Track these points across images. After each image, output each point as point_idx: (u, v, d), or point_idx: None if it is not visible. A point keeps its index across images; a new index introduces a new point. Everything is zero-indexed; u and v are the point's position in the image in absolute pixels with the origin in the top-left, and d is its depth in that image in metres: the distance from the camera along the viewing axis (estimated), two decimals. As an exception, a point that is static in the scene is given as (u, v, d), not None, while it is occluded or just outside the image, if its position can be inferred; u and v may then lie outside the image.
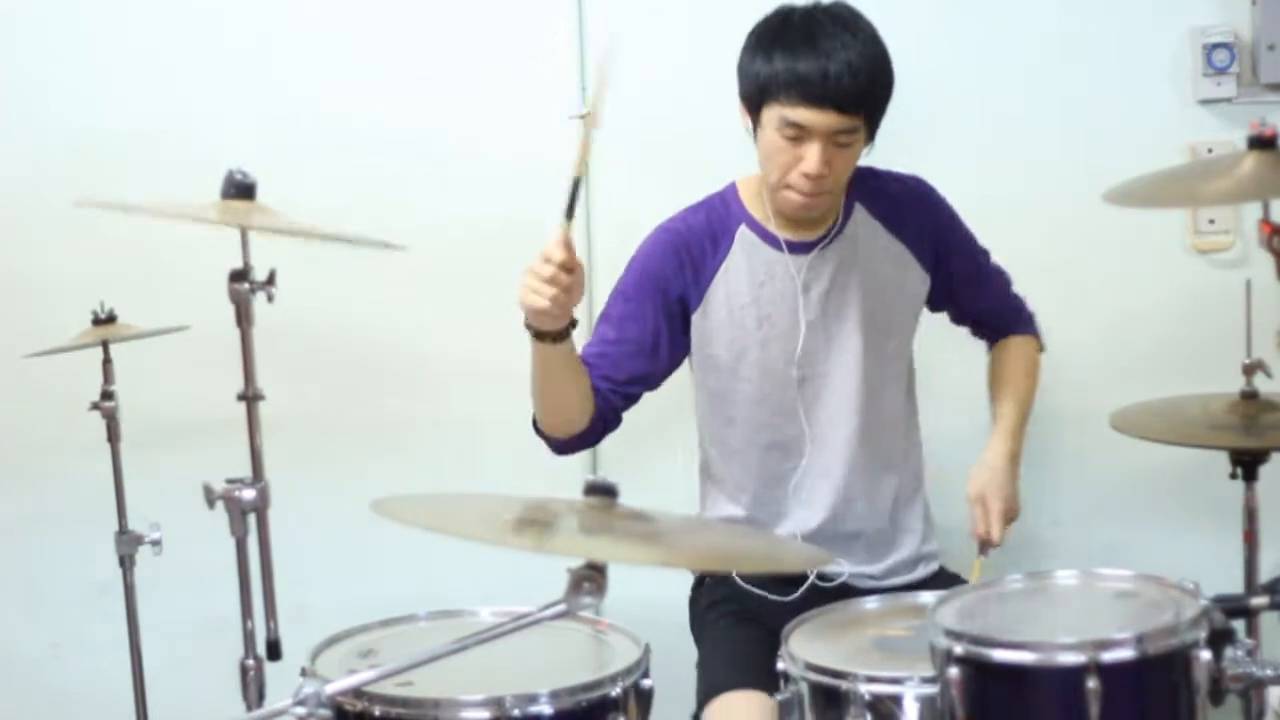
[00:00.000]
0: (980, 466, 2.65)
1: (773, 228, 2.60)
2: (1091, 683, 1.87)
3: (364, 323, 3.20)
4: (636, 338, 2.59)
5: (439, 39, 3.18)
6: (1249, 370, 2.51)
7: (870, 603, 2.40)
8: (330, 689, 1.83)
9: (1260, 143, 2.19)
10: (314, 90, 3.17)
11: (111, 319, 2.80)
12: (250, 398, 2.31)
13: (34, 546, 3.28)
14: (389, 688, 2.00)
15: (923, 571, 2.69)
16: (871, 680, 2.09)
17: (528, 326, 2.38)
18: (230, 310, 2.26)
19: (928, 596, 2.32)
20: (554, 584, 1.75)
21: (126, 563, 2.86)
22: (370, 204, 3.05)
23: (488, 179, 3.16)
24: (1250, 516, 2.47)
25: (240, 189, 2.29)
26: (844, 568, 2.62)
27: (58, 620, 3.31)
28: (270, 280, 2.27)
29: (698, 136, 3.09)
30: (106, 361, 2.81)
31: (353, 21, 3.19)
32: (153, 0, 3.18)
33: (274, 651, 2.32)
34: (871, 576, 2.65)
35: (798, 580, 2.60)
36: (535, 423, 2.56)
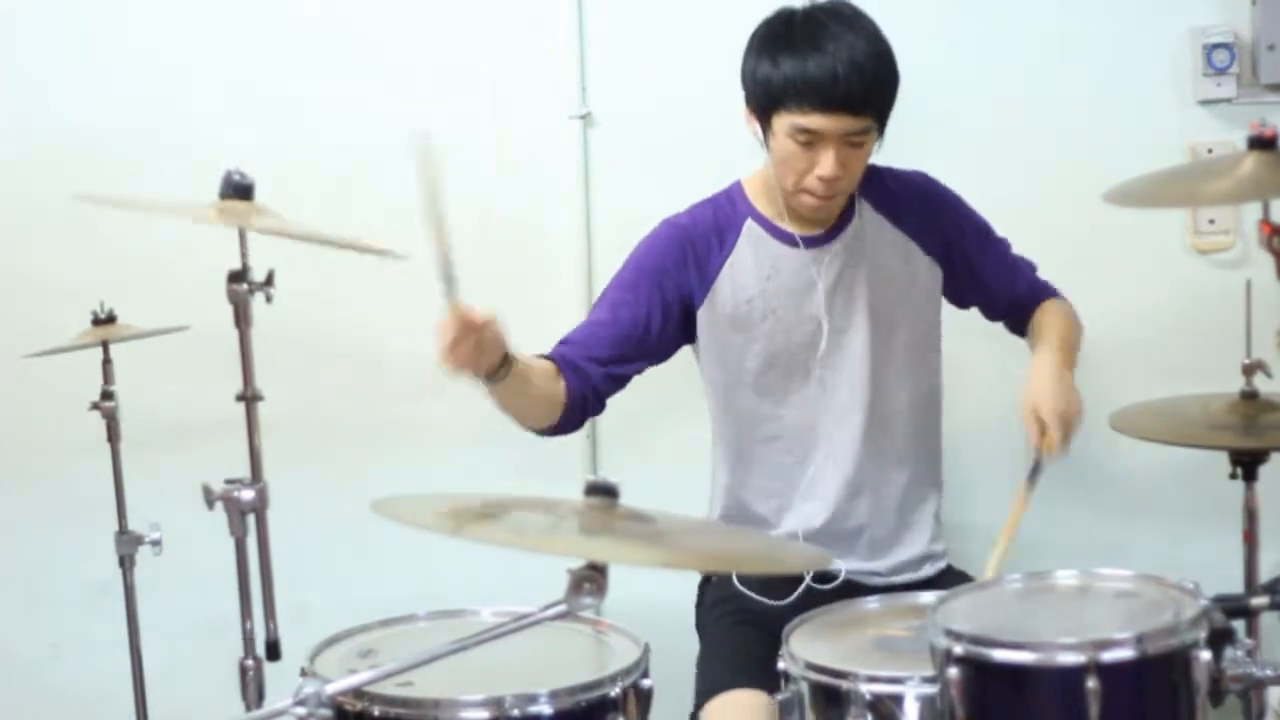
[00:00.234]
0: (1028, 381, 2.54)
1: (784, 223, 2.61)
2: (1091, 683, 1.87)
3: (362, 323, 3.20)
4: (628, 320, 2.58)
5: (439, 39, 3.17)
6: (1249, 370, 2.51)
7: (871, 602, 2.39)
8: (330, 689, 1.83)
9: (1260, 143, 2.19)
10: (314, 90, 3.17)
11: (111, 319, 2.80)
12: (249, 398, 2.31)
13: (34, 546, 3.28)
14: (389, 688, 1.99)
15: (930, 570, 2.68)
16: (872, 680, 2.09)
17: None
18: (229, 310, 2.27)
19: (928, 596, 2.32)
20: (554, 584, 1.75)
21: (126, 563, 2.85)
22: (369, 204, 3.04)
23: (487, 179, 3.16)
24: (1250, 516, 2.47)
25: (239, 189, 2.29)
26: (843, 569, 2.61)
27: (58, 620, 3.31)
28: (269, 281, 2.28)
29: (698, 136, 3.09)
30: (106, 361, 2.81)
31: (353, 21, 3.19)
32: (153, 0, 3.18)
33: (273, 652, 2.33)
34: (878, 574, 2.65)
35: (794, 582, 2.59)
36: None
